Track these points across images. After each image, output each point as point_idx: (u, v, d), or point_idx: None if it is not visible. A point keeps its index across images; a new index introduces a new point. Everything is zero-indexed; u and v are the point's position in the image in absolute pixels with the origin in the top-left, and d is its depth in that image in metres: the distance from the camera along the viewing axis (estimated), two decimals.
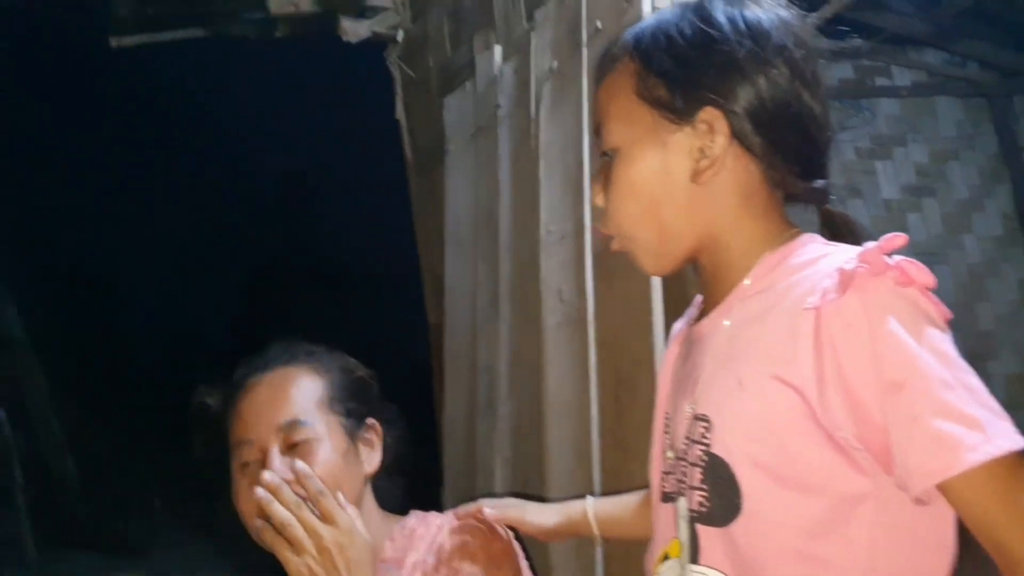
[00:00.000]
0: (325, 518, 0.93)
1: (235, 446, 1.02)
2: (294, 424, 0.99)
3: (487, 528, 1.04)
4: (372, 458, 1.06)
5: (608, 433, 1.52)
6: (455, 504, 1.12)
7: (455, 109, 2.27)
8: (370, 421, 1.07)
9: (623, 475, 1.45)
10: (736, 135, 0.80)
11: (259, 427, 0.99)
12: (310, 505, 0.93)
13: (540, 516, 1.10)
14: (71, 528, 5.87)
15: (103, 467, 6.59)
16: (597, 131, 0.87)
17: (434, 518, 1.07)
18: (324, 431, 0.99)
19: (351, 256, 9.88)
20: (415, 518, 1.07)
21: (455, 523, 1.05)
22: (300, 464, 0.95)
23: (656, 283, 1.43)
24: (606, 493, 1.40)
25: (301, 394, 1.01)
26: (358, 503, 1.01)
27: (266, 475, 0.94)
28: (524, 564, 1.05)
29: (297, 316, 9.72)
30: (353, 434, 1.03)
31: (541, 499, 1.25)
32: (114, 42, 2.78)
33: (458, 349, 2.17)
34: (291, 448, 0.98)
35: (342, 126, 9.80)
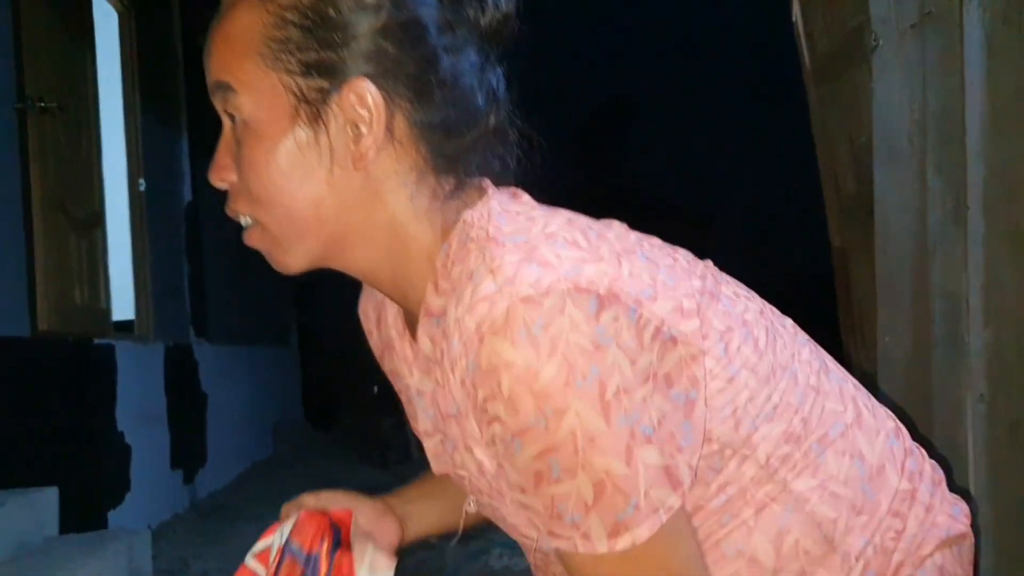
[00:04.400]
0: None
1: None
2: (217, 89, 0.69)
3: None
4: (361, 140, 0.67)
5: None
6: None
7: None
8: (354, 81, 0.66)
9: None
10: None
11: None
12: None
13: None
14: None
15: None
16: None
17: (482, 285, 0.63)
18: (253, 102, 0.67)
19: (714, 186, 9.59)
20: (458, 236, 0.69)
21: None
22: None
23: None
24: None
25: (231, 43, 0.68)
26: (329, 220, 0.68)
27: None
28: None
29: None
30: (316, 105, 0.66)
31: None
32: None
33: (895, 274, 1.94)
34: (233, 120, 0.70)
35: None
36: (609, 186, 10.48)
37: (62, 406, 3.49)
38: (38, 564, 2.31)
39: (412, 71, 0.66)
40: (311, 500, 0.85)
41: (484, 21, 0.70)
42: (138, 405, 4.22)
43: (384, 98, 0.66)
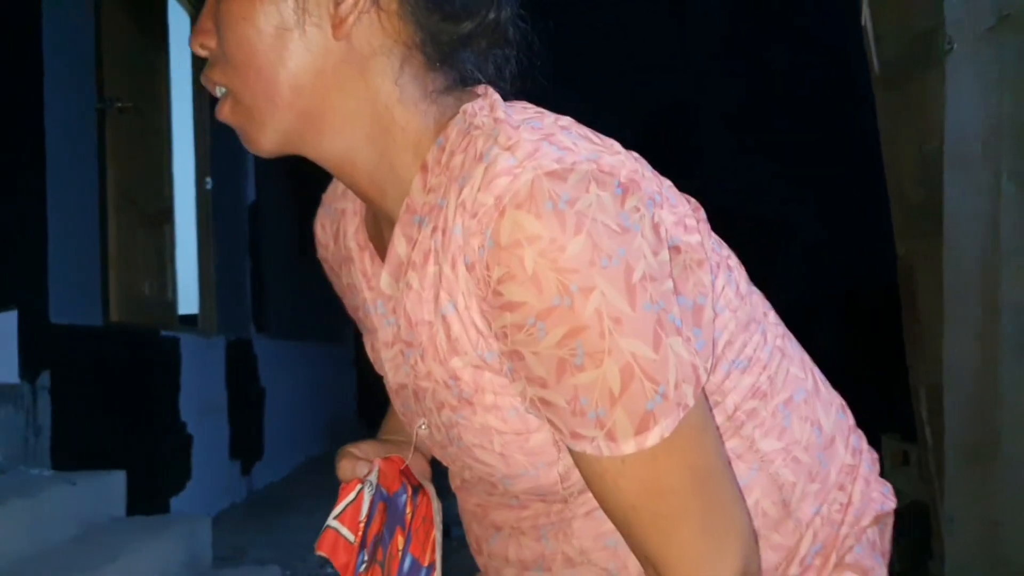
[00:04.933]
0: None
1: None
2: None
3: None
4: (342, 3, 0.63)
5: None
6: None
7: (961, 1, 1.94)
8: None
9: None
10: None
11: None
12: None
13: None
14: None
15: None
16: None
17: (500, 161, 0.59)
18: None
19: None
20: (458, 126, 0.64)
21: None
22: None
23: None
24: None
25: None
26: (304, 92, 0.63)
27: None
28: None
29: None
30: None
31: None
32: None
33: (963, 284, 1.89)
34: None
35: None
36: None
37: (130, 394, 3.62)
38: (106, 543, 2.40)
39: None
40: (356, 451, 0.80)
41: None
42: (200, 396, 4.35)
43: None
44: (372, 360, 0.76)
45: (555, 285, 0.55)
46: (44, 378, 2.97)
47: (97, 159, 3.47)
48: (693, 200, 0.70)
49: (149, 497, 3.49)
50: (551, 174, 0.56)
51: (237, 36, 0.63)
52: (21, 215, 2.99)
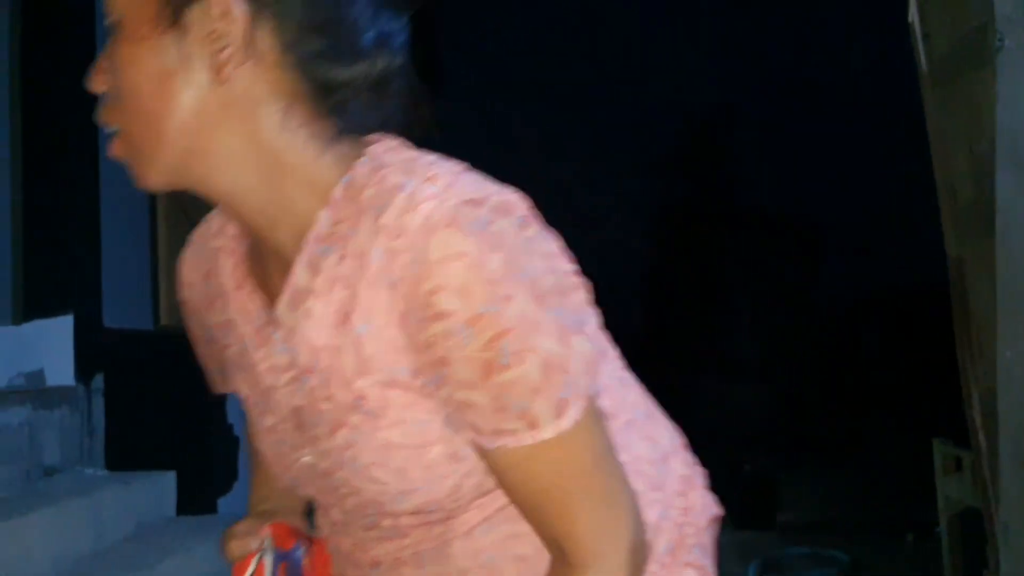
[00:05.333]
0: None
1: None
2: None
3: None
4: (222, 52, 0.66)
5: None
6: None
7: None
8: None
9: None
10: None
11: None
12: None
13: None
14: None
15: None
16: None
17: (423, 190, 0.65)
18: (125, 3, 0.68)
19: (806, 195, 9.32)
20: (367, 165, 0.69)
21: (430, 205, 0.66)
22: None
23: None
24: None
25: None
26: (187, 132, 0.67)
27: None
28: None
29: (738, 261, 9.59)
30: (178, 10, 0.66)
31: None
32: None
33: (1017, 285, 1.85)
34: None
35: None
36: (713, 196, 10.31)
37: (180, 396, 3.70)
38: (160, 542, 2.46)
39: None
40: (240, 529, 0.85)
41: None
42: None
43: (249, 12, 0.65)
44: (245, 399, 0.80)
45: (483, 293, 0.62)
46: (98, 380, 3.06)
47: None
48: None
49: (198, 497, 3.57)
50: (470, 202, 0.64)
51: (126, 79, 0.67)
52: (76, 225, 3.08)
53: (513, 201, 0.67)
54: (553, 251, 0.68)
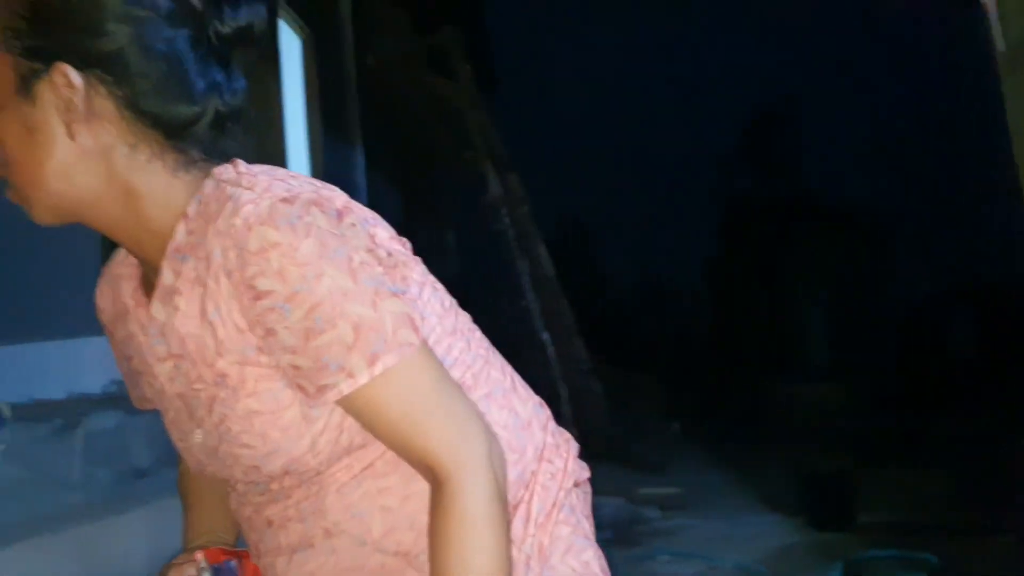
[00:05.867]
0: None
1: None
2: None
3: None
4: (68, 113, 0.82)
5: None
6: None
7: None
8: (60, 64, 0.81)
9: None
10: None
11: None
12: None
13: None
14: (599, 441, 6.59)
15: (623, 390, 7.22)
16: None
17: (243, 196, 0.80)
18: None
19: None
20: (211, 184, 0.85)
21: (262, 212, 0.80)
22: None
23: None
24: None
25: None
26: (54, 180, 0.83)
27: None
28: None
29: (805, 256, 9.37)
30: (29, 83, 0.82)
31: None
32: None
33: None
34: None
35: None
36: (780, 190, 10.07)
37: None
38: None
39: (118, 60, 0.81)
40: (176, 561, 1.02)
41: (221, 29, 0.86)
42: None
43: (84, 80, 0.81)
44: (151, 397, 0.94)
45: (296, 275, 0.77)
46: None
47: None
48: (404, 239, 0.92)
49: None
50: (283, 200, 0.79)
51: (2, 143, 0.84)
52: None
53: (326, 197, 0.81)
54: (371, 234, 0.83)
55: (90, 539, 2.05)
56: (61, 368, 2.70)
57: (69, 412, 2.44)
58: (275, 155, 4.39)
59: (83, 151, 0.82)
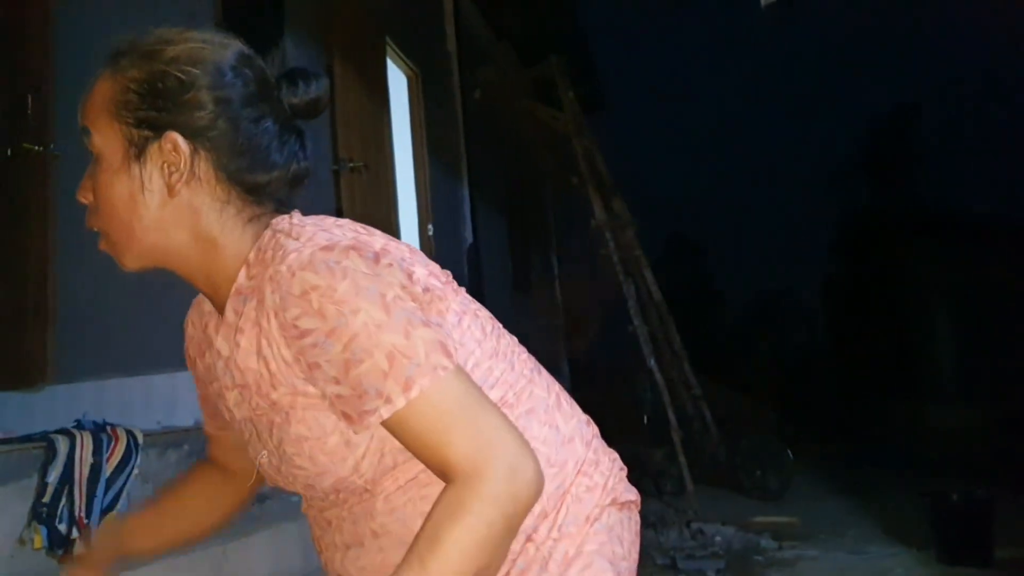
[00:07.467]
0: None
1: None
2: (83, 132, 0.97)
3: None
4: (172, 176, 0.94)
5: None
6: None
7: None
8: (169, 134, 0.94)
9: None
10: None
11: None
12: None
13: None
14: (714, 469, 6.43)
15: (736, 414, 7.03)
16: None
17: (290, 245, 0.91)
18: (102, 143, 0.95)
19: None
20: (269, 234, 0.95)
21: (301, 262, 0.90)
22: None
23: None
24: None
25: (93, 101, 0.97)
26: (150, 232, 0.95)
27: None
28: None
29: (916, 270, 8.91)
30: (141, 148, 0.94)
31: None
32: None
33: None
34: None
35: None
36: (902, 203, 9.61)
37: None
38: None
39: (216, 131, 0.94)
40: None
41: (295, 101, 0.99)
42: None
43: (190, 147, 0.93)
44: (230, 420, 1.03)
45: (333, 313, 0.85)
46: None
47: (335, 212, 3.85)
48: (447, 271, 1.02)
49: None
50: (323, 248, 0.88)
51: (104, 198, 0.95)
52: None
53: (364, 242, 0.90)
54: (409, 272, 0.91)
55: (218, 559, 2.19)
56: (189, 398, 2.90)
57: (196, 439, 2.60)
58: (386, 193, 4.57)
59: (179, 208, 0.94)
